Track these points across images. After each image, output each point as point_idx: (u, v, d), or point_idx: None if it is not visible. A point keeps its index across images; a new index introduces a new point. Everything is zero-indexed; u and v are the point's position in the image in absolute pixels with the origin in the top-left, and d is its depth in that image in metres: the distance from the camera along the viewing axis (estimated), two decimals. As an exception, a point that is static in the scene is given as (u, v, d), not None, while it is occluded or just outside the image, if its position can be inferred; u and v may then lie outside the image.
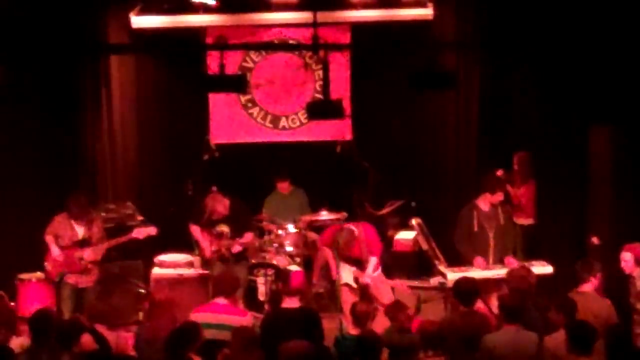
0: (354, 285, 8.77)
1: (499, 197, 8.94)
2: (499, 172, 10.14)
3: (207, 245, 9.41)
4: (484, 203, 8.94)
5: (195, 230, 9.52)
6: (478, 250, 8.88)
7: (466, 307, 7.17)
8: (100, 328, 6.96)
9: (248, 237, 9.47)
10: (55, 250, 8.77)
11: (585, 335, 6.24)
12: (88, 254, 8.79)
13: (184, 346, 6.39)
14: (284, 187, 10.77)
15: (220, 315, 7.32)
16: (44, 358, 6.39)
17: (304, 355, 6.15)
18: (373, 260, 8.85)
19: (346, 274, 8.75)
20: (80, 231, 8.84)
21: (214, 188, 10.22)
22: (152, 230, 9.25)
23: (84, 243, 8.81)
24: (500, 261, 8.85)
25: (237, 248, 9.38)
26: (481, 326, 6.91)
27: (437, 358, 6.58)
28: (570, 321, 6.56)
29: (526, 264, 8.68)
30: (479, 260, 8.78)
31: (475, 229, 8.90)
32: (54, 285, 8.84)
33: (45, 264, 8.90)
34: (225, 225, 9.38)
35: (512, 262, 8.73)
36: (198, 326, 6.65)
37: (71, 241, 8.79)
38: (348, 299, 8.59)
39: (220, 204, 9.32)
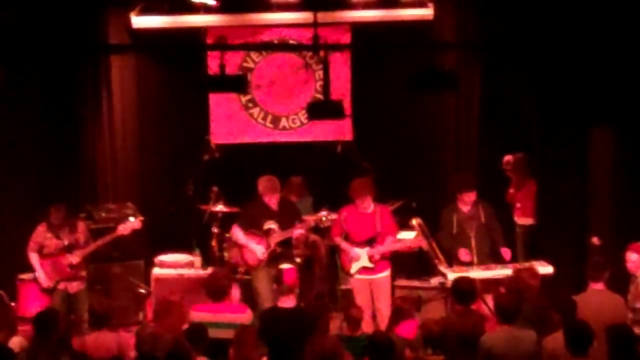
0: (370, 265, 8.70)
1: (470, 196, 8.94)
2: (510, 157, 10.17)
3: (257, 247, 9.01)
4: (463, 204, 8.98)
5: (240, 234, 9.12)
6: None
7: (463, 306, 7.17)
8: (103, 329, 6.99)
9: (298, 228, 9.12)
10: (44, 281, 8.65)
11: (581, 337, 6.24)
12: (75, 258, 8.68)
13: (192, 349, 6.39)
14: (295, 195, 10.72)
15: (220, 314, 7.31)
16: (42, 357, 6.41)
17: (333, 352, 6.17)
18: (389, 239, 8.76)
19: (362, 257, 8.73)
20: (64, 237, 8.73)
21: (215, 188, 10.24)
22: (136, 224, 9.01)
23: (70, 248, 8.68)
24: (488, 256, 8.88)
25: (298, 232, 9.08)
26: (478, 326, 6.91)
27: (436, 357, 6.59)
28: (568, 322, 6.56)
29: (526, 264, 8.70)
30: (462, 252, 8.85)
31: (455, 230, 8.94)
32: (48, 293, 8.74)
33: (36, 274, 8.74)
34: (272, 221, 9.06)
35: (507, 253, 8.82)
36: (204, 328, 6.66)
37: (57, 248, 8.66)
38: (358, 290, 8.72)
39: (275, 193, 9.02)
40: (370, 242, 8.71)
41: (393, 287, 9.27)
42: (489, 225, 9.01)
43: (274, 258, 9.02)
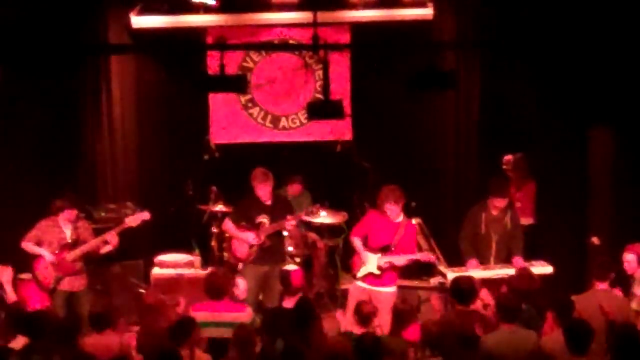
0: (377, 272, 8.52)
1: (499, 202, 8.91)
2: (511, 156, 10.16)
3: (248, 234, 9.01)
4: (493, 206, 8.94)
5: (231, 226, 9.16)
6: (480, 252, 8.89)
7: (463, 306, 7.16)
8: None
9: (290, 220, 9.01)
10: (48, 255, 8.61)
11: (582, 336, 6.24)
12: (76, 254, 8.66)
13: (180, 342, 6.45)
14: (294, 190, 10.73)
15: (220, 313, 7.32)
16: (35, 358, 6.42)
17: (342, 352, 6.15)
18: (400, 259, 8.54)
19: (371, 263, 8.55)
20: (68, 233, 8.70)
21: (214, 188, 10.24)
22: (145, 215, 8.97)
23: (74, 245, 8.67)
24: (504, 262, 8.87)
25: (290, 223, 8.96)
26: (478, 326, 6.91)
27: (434, 359, 6.58)
28: (566, 321, 6.57)
29: (526, 264, 8.71)
30: (472, 262, 8.80)
31: (483, 231, 8.91)
32: (48, 293, 8.71)
33: (36, 273, 8.71)
34: (264, 215, 9.04)
35: (519, 262, 8.73)
36: (191, 322, 6.70)
37: (60, 244, 8.64)
38: (354, 297, 8.47)
39: (266, 182, 8.99)
40: (384, 250, 8.54)
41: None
42: (513, 233, 8.98)
43: (263, 256, 8.98)
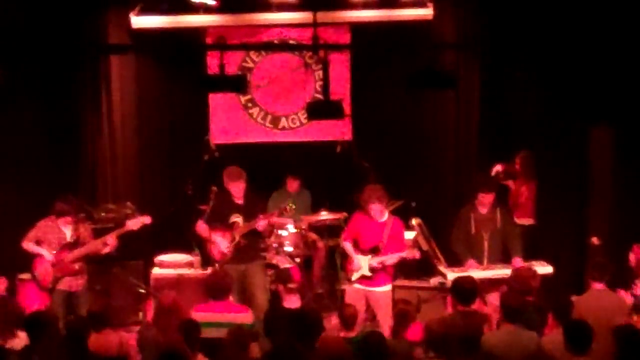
0: (369, 274, 8.57)
1: (487, 198, 8.90)
2: (500, 167, 10.16)
3: (221, 240, 9.05)
4: (481, 205, 8.93)
5: (204, 228, 9.17)
6: (473, 252, 8.88)
7: (465, 306, 7.15)
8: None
9: (261, 219, 8.97)
10: (47, 255, 8.62)
11: (582, 336, 6.24)
12: (75, 255, 8.67)
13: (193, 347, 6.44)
14: (293, 186, 10.76)
15: (222, 314, 7.30)
16: (35, 358, 6.41)
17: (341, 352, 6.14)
18: (390, 258, 8.55)
19: (363, 265, 8.58)
20: (68, 233, 8.71)
21: (214, 188, 10.24)
22: (146, 219, 8.98)
23: (73, 245, 8.68)
24: (498, 262, 8.86)
25: (261, 223, 8.92)
26: (480, 326, 6.91)
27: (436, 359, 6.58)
28: (566, 321, 6.57)
29: (526, 264, 8.70)
30: (471, 262, 8.80)
31: (473, 231, 8.91)
32: (47, 292, 8.72)
33: (36, 272, 8.72)
34: (237, 214, 9.07)
35: (519, 263, 8.70)
36: (197, 325, 6.68)
37: (60, 244, 8.65)
38: (352, 299, 8.47)
39: (237, 180, 9.01)
40: (373, 251, 8.58)
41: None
42: (505, 230, 8.95)
43: (239, 255, 9.00)
